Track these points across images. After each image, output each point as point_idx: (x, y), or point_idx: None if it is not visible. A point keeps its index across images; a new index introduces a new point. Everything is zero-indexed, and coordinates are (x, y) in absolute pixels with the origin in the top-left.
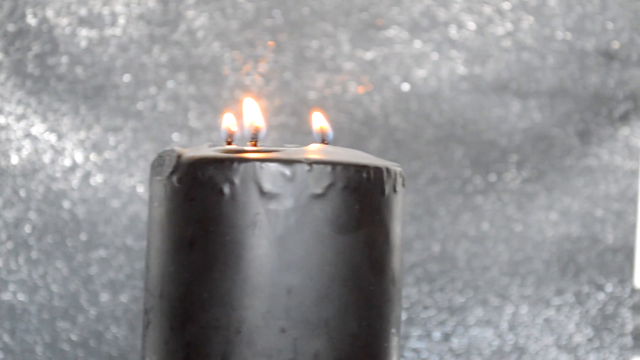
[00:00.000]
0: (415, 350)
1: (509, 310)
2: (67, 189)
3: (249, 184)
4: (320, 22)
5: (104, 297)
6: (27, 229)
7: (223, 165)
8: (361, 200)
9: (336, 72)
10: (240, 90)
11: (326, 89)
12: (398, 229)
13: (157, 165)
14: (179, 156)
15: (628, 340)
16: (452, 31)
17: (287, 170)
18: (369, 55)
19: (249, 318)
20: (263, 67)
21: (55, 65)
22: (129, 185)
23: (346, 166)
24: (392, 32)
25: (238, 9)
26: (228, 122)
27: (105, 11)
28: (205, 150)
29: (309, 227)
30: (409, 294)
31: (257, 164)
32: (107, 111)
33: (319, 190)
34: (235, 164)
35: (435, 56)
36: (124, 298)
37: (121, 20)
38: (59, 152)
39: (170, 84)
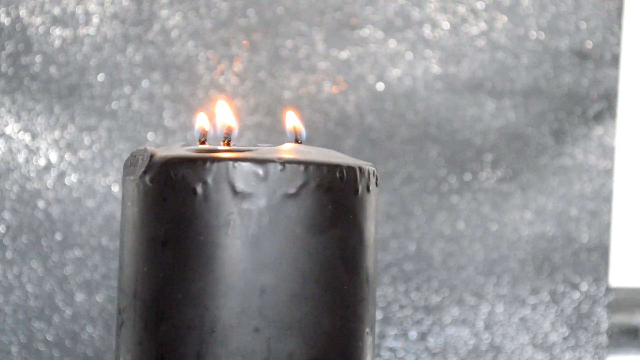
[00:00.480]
0: (391, 349)
1: (484, 309)
2: (41, 188)
3: (221, 183)
4: (295, 21)
5: (80, 297)
6: (2, 228)
7: (196, 164)
8: (334, 199)
9: (311, 72)
10: (215, 90)
11: (301, 88)
12: (372, 228)
13: (129, 164)
14: (152, 155)
15: (603, 339)
16: (427, 31)
17: (259, 170)
18: (344, 54)
19: (222, 318)
20: (237, 66)
21: (29, 64)
22: (104, 185)
23: (319, 166)
24: (366, 31)
25: (212, 8)
26: (201, 121)
27: (79, 10)
28: (178, 149)
29: (282, 226)
30: (384, 293)
31: (230, 163)
32: (81, 110)
33: (292, 190)
34: (208, 164)
35: (409, 56)
36: (99, 298)
37: (95, 20)
38: (33, 151)
39: (144, 84)
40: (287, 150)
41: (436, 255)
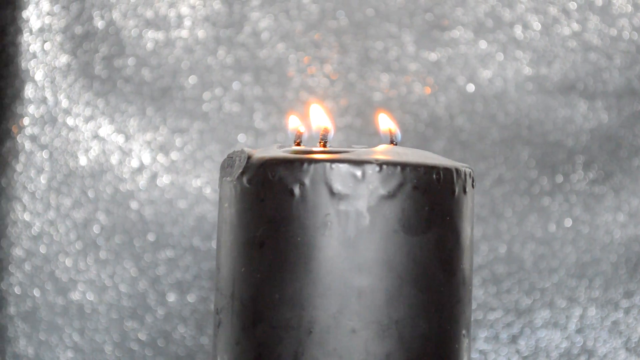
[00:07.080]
0: (482, 352)
1: (576, 312)
2: (134, 189)
3: (319, 184)
4: (385, 23)
5: (172, 297)
6: (96, 229)
7: (293, 166)
8: (431, 201)
9: (401, 73)
10: (305, 92)
11: (391, 90)
12: (468, 230)
13: (227, 166)
14: (249, 157)
15: None
16: (518, 31)
17: (357, 171)
18: (434, 56)
19: (320, 318)
20: (328, 68)
21: (122, 67)
22: (196, 186)
23: (416, 167)
24: (456, 32)
25: (303, 10)
26: (296, 123)
27: (171, 13)
28: (275, 151)
29: (379, 228)
30: (475, 295)
31: (327, 164)
32: (173, 112)
33: (389, 191)
34: (306, 165)
35: (500, 57)
36: (191, 298)
37: (187, 22)
38: (126, 153)
39: (235, 86)
40: (384, 152)
41: (527, 258)
